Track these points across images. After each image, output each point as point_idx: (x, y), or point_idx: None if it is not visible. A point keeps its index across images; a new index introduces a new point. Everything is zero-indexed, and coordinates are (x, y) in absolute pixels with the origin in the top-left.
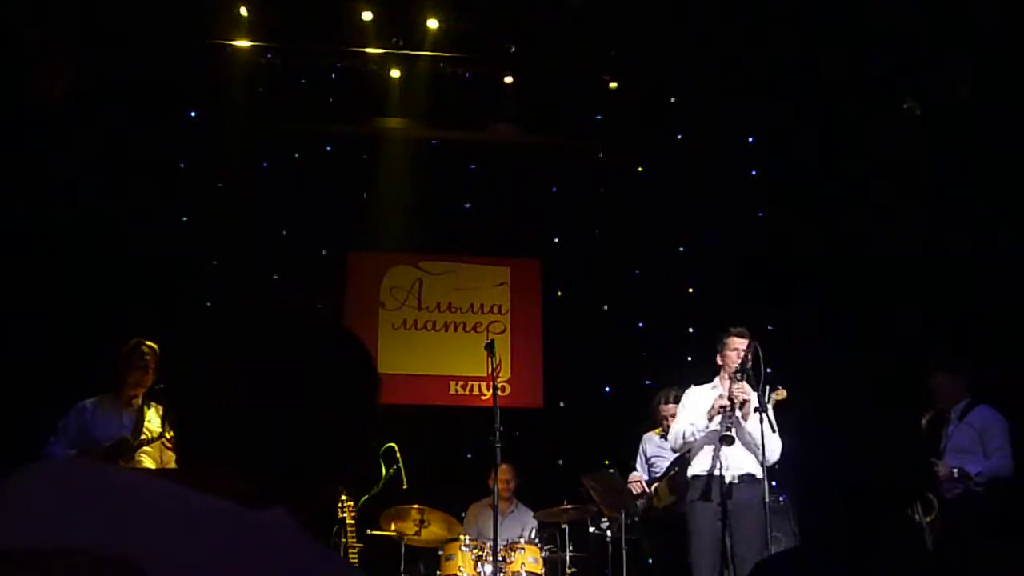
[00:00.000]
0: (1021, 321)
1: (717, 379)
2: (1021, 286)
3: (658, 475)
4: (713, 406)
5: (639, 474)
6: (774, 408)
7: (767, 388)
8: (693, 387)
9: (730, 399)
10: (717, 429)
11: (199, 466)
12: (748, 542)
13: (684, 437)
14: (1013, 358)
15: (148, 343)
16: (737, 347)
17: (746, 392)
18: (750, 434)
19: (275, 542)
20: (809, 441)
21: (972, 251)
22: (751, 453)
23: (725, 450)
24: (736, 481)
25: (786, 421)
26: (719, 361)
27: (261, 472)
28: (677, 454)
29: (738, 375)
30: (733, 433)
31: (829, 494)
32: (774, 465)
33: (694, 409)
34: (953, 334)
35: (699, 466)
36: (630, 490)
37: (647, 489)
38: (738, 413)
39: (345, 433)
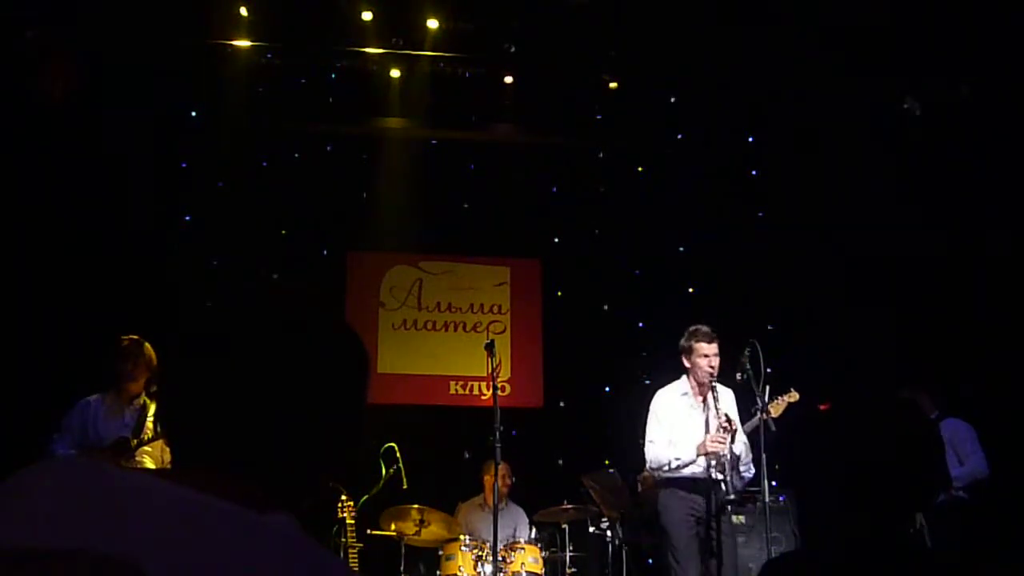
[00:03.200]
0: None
1: (684, 379)
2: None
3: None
4: (704, 444)
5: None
6: (785, 411)
7: (767, 389)
8: (660, 391)
9: (725, 428)
10: (703, 463)
11: (197, 466)
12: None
13: (670, 467)
14: (990, 370)
15: (130, 338)
16: (708, 353)
17: (726, 438)
18: (733, 451)
19: (278, 544)
20: (827, 442)
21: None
22: (733, 467)
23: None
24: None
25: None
26: (685, 364)
27: (258, 472)
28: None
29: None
30: (733, 497)
31: (850, 494)
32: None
33: (667, 420)
34: (930, 341)
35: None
36: (629, 489)
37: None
38: (722, 444)
39: (341, 430)
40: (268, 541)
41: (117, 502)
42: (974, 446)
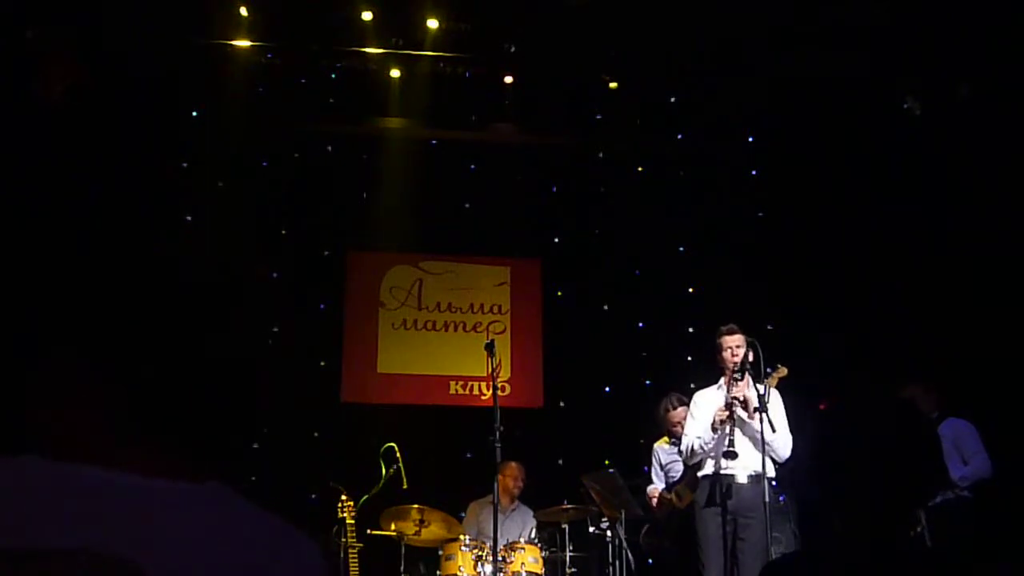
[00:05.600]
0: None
1: (722, 380)
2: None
3: (675, 480)
4: (715, 418)
5: (656, 486)
6: (776, 386)
7: (768, 388)
8: (699, 391)
9: (731, 406)
10: (722, 438)
11: (135, 446)
12: (753, 543)
13: (694, 450)
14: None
15: None
16: (730, 345)
17: (747, 393)
18: (759, 432)
19: (232, 512)
20: (826, 442)
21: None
22: (760, 451)
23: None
24: (745, 481)
25: (792, 406)
26: (720, 363)
27: (181, 443)
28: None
29: (737, 374)
30: (736, 448)
31: (849, 496)
32: (786, 462)
33: (702, 417)
34: (934, 340)
35: (709, 467)
36: (629, 489)
37: (668, 495)
38: (744, 415)
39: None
40: (225, 510)
41: (84, 500)
42: (978, 446)
